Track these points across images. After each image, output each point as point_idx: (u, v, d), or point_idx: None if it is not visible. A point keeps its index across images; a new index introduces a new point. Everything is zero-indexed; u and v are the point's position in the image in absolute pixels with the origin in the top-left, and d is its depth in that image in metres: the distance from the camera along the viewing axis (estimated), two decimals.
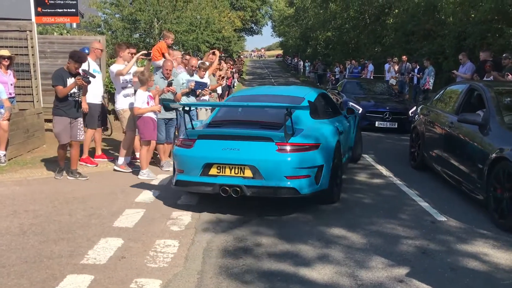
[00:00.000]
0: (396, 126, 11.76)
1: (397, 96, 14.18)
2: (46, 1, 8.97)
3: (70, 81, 6.36)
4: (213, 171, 5.15)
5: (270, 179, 4.99)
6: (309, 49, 47.24)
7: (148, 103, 6.85)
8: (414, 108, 11.46)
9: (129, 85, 7.34)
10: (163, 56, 8.27)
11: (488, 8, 14.72)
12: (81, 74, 6.56)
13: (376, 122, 11.85)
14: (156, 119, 7.04)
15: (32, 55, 9.22)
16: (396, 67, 17.65)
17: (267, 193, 5.09)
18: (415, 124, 8.09)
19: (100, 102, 7.59)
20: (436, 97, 7.95)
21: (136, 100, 6.77)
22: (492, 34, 15.39)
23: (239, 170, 5.07)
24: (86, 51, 7.46)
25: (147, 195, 5.94)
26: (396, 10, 26.18)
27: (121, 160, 7.17)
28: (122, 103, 7.17)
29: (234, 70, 23.48)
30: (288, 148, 5.04)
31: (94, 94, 7.38)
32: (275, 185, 5.01)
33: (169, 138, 7.67)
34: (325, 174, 5.29)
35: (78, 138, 6.69)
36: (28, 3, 9.13)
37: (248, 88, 9.18)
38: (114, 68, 7.08)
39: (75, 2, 9.15)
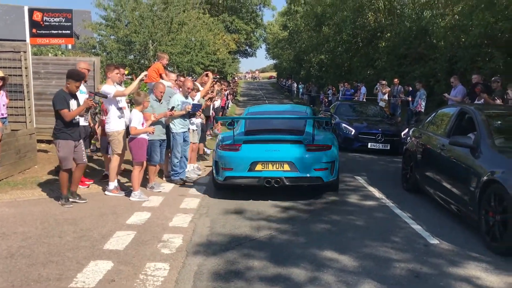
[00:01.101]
0: (388, 148, 11.81)
1: (390, 118, 14.29)
2: (41, 22, 9.02)
3: (72, 102, 6.26)
4: (259, 167, 6.70)
5: (303, 171, 6.65)
6: (303, 71, 47.64)
7: (143, 124, 6.87)
8: (407, 130, 11.54)
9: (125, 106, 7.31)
10: (161, 77, 8.28)
11: (477, 33, 14.96)
12: (89, 95, 6.55)
13: (369, 144, 11.89)
14: (147, 140, 7.05)
15: (26, 76, 9.22)
16: (385, 90, 17.79)
17: (301, 182, 6.78)
18: (407, 147, 8.13)
19: (86, 124, 7.53)
20: (428, 119, 8.02)
21: (132, 120, 6.76)
22: (482, 58, 15.60)
23: (280, 165, 6.68)
24: None
25: (138, 217, 5.88)
26: (388, 34, 26.53)
27: (112, 184, 7.06)
28: (116, 124, 6.99)
29: (228, 91, 23.61)
30: (314, 148, 6.81)
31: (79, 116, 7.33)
32: (307, 175, 6.67)
33: (161, 159, 7.67)
34: (336, 167, 7.03)
35: (83, 161, 6.56)
36: (23, 25, 9.19)
37: (258, 106, 11.06)
38: (111, 89, 6.98)
39: (70, 24, 9.21)
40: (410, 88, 16.53)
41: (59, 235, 5.10)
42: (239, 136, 7.14)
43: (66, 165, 6.30)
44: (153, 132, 7.07)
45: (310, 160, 6.70)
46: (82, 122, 7.36)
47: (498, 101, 8.44)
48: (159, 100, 7.49)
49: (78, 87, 6.38)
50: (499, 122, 6.41)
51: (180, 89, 8.40)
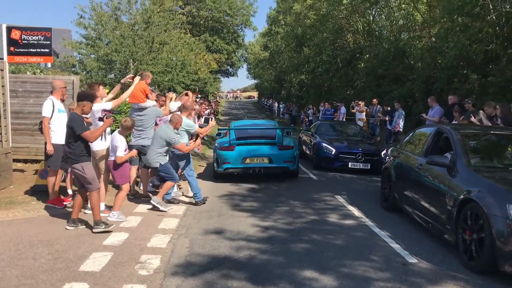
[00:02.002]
0: (368, 167, 11.86)
1: (370, 138, 14.42)
2: (20, 40, 8.92)
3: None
4: (248, 161, 9.97)
5: (277, 163, 10.05)
6: (284, 91, 48.08)
7: (126, 150, 6.86)
8: (386, 149, 11.65)
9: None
10: (147, 96, 8.22)
11: (453, 55, 15.32)
12: (104, 113, 6.48)
13: (349, 163, 11.93)
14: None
15: (3, 94, 9.08)
16: (361, 109, 18.07)
17: (275, 170, 10.23)
18: (386, 166, 8.21)
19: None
20: (406, 139, 8.13)
21: (118, 149, 6.70)
22: (458, 79, 15.95)
23: (261, 159, 10.01)
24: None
25: (115, 238, 5.78)
26: (367, 55, 27.01)
27: (102, 205, 6.97)
28: (104, 143, 6.95)
29: (209, 110, 23.63)
30: (283, 148, 10.18)
31: (60, 134, 7.23)
32: (279, 166, 10.08)
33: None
34: (297, 161, 10.54)
35: None
36: (1, 42, 9.08)
37: (240, 121, 14.99)
38: (107, 104, 6.91)
39: (49, 42, 9.13)
40: (389, 108, 16.80)
41: (33, 257, 4.98)
42: (233, 141, 10.23)
43: (96, 185, 6.12)
44: (136, 156, 7.16)
45: (281, 156, 10.09)
46: (63, 141, 7.26)
47: (474, 120, 8.60)
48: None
49: (91, 108, 6.30)
50: (474, 141, 6.52)
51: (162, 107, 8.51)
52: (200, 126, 9.79)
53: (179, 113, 8.06)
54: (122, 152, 6.76)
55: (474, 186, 5.06)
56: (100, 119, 6.28)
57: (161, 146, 7.37)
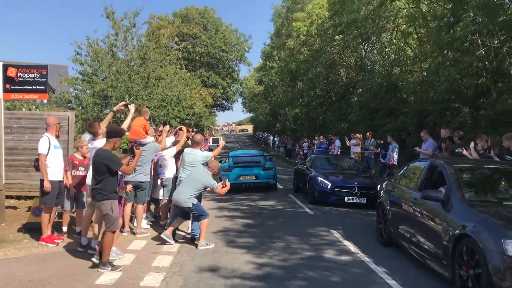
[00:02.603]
0: (365, 202, 11.75)
1: (365, 171, 14.39)
2: (16, 78, 8.99)
3: None
4: (241, 178, 14.56)
5: (261, 179, 14.81)
6: (279, 124, 48.42)
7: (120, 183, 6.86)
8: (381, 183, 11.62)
9: None
10: (146, 132, 8.25)
11: (445, 89, 15.55)
12: (133, 145, 6.51)
13: (346, 198, 11.84)
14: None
15: None
16: (357, 142, 18.20)
17: (260, 184, 14.83)
18: (380, 200, 8.19)
19: (62, 179, 7.41)
20: (400, 173, 8.15)
21: None
22: (450, 112, 16.15)
23: (250, 177, 14.70)
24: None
25: (108, 277, 5.68)
26: (360, 89, 27.37)
27: (94, 242, 6.91)
28: None
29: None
30: (265, 168, 15.00)
31: (56, 171, 7.23)
32: (264, 181, 14.83)
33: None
34: (275, 178, 15.44)
35: None
36: None
37: (236, 151, 20.03)
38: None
39: (44, 79, 9.20)
40: (381, 141, 16.90)
41: None
42: (231, 165, 14.86)
43: (118, 226, 6.12)
44: (131, 191, 7.30)
45: (264, 174, 14.69)
46: (59, 177, 7.26)
47: (466, 153, 8.65)
48: None
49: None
50: (468, 175, 6.54)
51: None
52: (211, 149, 10.29)
53: (214, 160, 8.25)
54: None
55: (469, 221, 5.04)
56: (125, 151, 6.31)
57: (197, 190, 7.53)
